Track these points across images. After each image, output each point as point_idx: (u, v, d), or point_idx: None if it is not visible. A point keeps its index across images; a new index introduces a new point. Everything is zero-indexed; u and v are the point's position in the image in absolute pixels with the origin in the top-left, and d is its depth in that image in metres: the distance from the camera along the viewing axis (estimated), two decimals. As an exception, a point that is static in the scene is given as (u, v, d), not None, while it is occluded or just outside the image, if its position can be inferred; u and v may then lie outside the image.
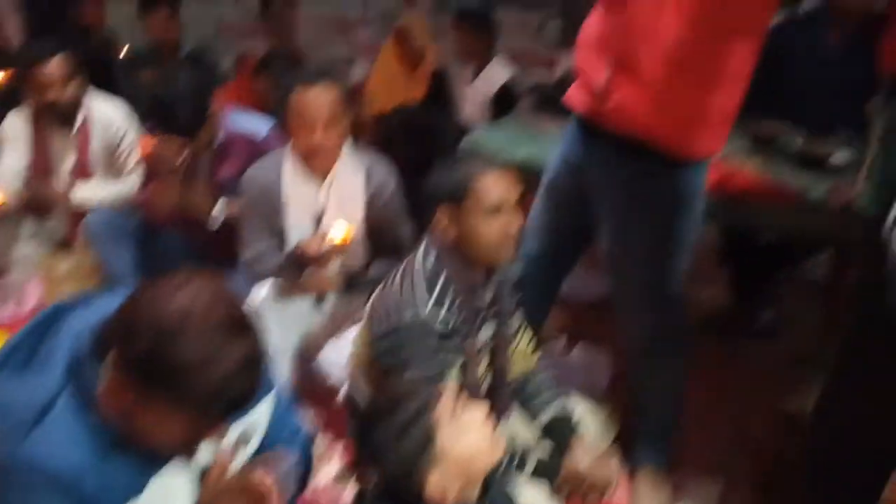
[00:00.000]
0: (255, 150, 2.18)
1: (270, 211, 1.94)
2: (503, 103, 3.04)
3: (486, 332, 1.55)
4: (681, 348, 1.74)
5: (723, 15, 1.33)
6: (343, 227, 1.86)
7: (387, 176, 2.03)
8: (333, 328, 1.93)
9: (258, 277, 1.98)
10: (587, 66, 1.51)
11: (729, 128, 1.50)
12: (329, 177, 1.94)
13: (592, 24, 1.50)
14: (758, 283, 2.61)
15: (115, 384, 0.93)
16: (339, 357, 1.76)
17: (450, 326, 1.41)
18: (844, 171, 1.98)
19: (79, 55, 2.41)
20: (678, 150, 1.45)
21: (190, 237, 2.28)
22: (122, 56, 3.36)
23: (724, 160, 1.92)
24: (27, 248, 2.61)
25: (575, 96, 1.58)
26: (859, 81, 2.30)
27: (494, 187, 1.49)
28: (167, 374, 0.88)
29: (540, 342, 1.75)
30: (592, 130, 1.54)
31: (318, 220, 1.97)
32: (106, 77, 2.77)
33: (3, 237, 2.61)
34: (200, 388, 0.89)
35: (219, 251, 2.19)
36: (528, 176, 1.97)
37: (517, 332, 1.64)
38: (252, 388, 0.95)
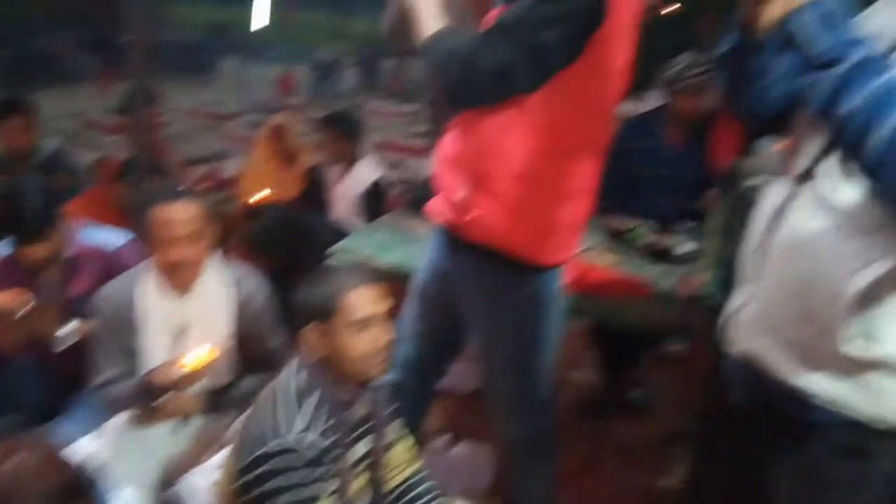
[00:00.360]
0: (108, 265, 2.08)
1: (125, 331, 1.85)
2: (373, 202, 3.11)
3: (362, 448, 1.53)
4: (551, 447, 1.79)
5: (566, 135, 1.45)
6: (199, 353, 1.80)
7: (256, 286, 2.00)
8: (198, 453, 1.83)
9: (111, 405, 1.86)
10: (446, 182, 1.59)
11: (579, 235, 1.61)
12: (192, 291, 1.89)
13: (448, 143, 1.59)
14: (625, 364, 2.74)
15: None
16: (204, 484, 1.66)
17: (320, 449, 1.38)
18: (689, 262, 2.15)
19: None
20: (533, 258, 1.53)
21: (38, 361, 2.11)
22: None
23: (581, 256, 2.04)
24: None
25: (437, 208, 1.65)
26: (696, 176, 2.56)
27: (362, 302, 1.50)
28: None
29: (421, 443, 1.74)
30: (455, 240, 1.60)
31: (181, 337, 1.89)
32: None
33: None
34: None
35: (70, 375, 2.04)
36: (399, 280, 2.01)
37: (396, 440, 1.62)
38: None
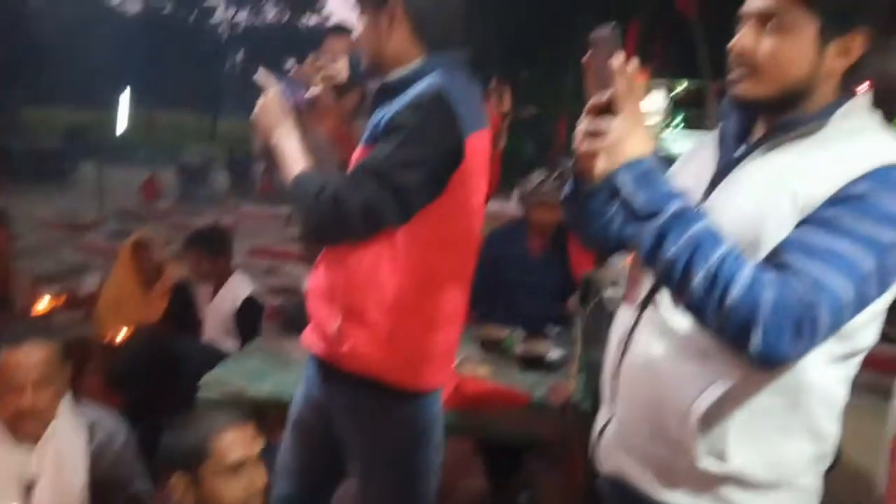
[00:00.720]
0: None
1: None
2: (247, 319, 3.02)
3: None
4: None
5: (433, 266, 1.51)
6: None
7: (114, 428, 1.87)
8: None
9: None
10: (318, 313, 1.60)
11: (452, 359, 1.66)
12: (42, 441, 1.74)
13: (318, 276, 1.61)
14: (511, 469, 2.77)
15: None
16: None
17: None
18: (560, 369, 2.25)
19: None
20: (410, 385, 1.55)
21: None
22: None
23: (456, 368, 2.08)
24: None
25: (311, 339, 1.64)
26: (559, 282, 2.72)
27: (234, 445, 1.46)
28: None
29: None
30: (330, 370, 1.60)
31: (29, 493, 1.72)
32: None
33: None
34: None
35: None
36: (276, 410, 1.95)
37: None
38: None
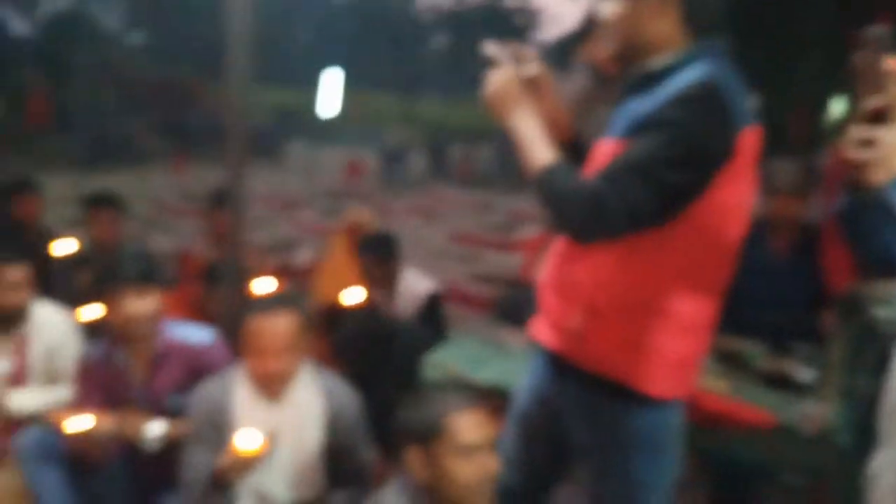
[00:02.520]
0: (195, 362, 2.19)
1: (216, 435, 1.93)
2: (435, 313, 3.06)
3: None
4: None
5: (687, 269, 1.47)
6: (255, 438, 1.84)
7: (348, 399, 2.05)
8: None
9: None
10: (554, 308, 1.62)
11: (698, 369, 1.60)
12: (285, 399, 1.96)
13: (557, 269, 1.62)
14: (738, 495, 2.62)
15: None
16: None
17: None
18: (810, 391, 2.09)
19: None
20: (648, 390, 1.52)
21: (127, 463, 2.19)
22: (59, 254, 3.36)
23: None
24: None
25: (544, 334, 1.66)
26: (806, 291, 2.50)
27: (468, 428, 1.53)
28: None
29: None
30: (563, 367, 1.62)
31: (271, 444, 1.94)
32: (40, 273, 2.77)
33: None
34: None
35: (159, 476, 2.13)
36: (497, 399, 2.02)
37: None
38: None
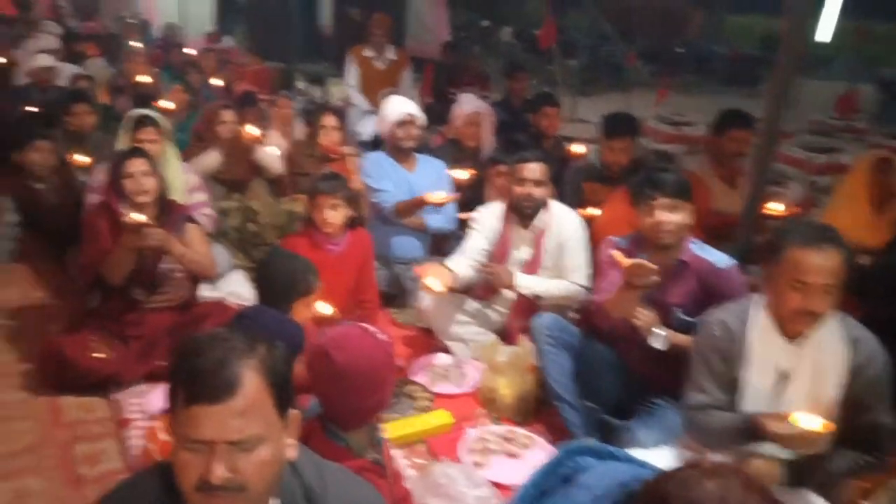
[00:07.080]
0: (712, 282, 2.18)
1: (728, 360, 1.87)
2: None
3: None
4: None
5: None
6: (815, 421, 1.68)
7: (875, 351, 1.81)
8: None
9: (701, 431, 1.89)
10: None
11: None
12: (806, 339, 1.79)
13: None
14: None
15: None
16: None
17: None
18: None
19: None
20: None
21: (620, 354, 2.31)
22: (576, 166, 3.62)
23: None
24: (464, 328, 2.91)
25: None
26: None
27: None
28: None
29: None
30: None
31: (782, 382, 1.82)
32: (556, 177, 3.03)
33: (446, 313, 2.93)
34: None
35: (647, 377, 2.22)
36: None
37: None
38: None
